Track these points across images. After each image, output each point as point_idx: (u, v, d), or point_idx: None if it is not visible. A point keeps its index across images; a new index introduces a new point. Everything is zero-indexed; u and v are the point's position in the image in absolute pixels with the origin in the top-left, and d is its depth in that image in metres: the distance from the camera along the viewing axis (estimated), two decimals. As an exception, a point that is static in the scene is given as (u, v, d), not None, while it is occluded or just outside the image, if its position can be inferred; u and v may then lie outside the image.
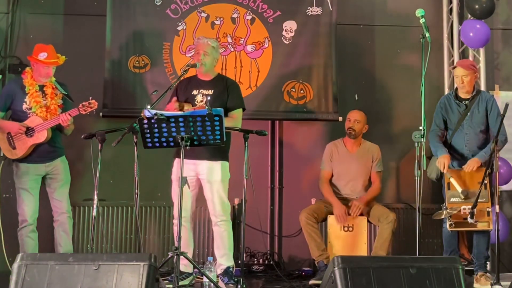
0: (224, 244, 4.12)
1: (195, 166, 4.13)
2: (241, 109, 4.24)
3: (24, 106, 4.29)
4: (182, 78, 4.25)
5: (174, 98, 4.17)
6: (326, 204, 4.74)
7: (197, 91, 4.19)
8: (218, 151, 4.08)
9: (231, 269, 4.10)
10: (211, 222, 4.26)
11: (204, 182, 4.14)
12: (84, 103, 4.15)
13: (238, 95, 4.28)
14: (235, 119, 4.15)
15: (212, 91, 4.17)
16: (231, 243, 4.15)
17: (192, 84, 4.24)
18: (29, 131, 4.22)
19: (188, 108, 4.04)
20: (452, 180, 4.26)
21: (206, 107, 3.58)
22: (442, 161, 4.33)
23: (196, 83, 4.24)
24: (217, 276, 4.09)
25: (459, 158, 4.49)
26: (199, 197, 4.29)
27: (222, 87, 4.21)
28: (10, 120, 4.34)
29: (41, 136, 4.21)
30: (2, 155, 5.02)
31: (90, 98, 4.21)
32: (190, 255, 4.15)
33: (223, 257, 4.12)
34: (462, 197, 4.18)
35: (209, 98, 4.08)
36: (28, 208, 4.26)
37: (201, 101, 4.13)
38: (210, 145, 3.74)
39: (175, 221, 4.14)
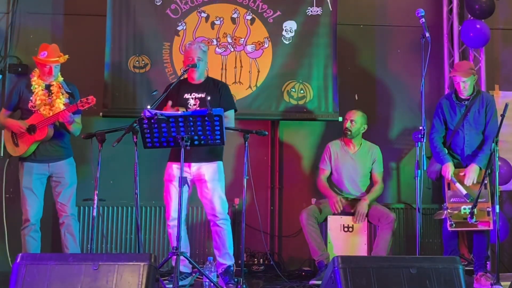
0: (223, 243, 4.12)
1: (190, 168, 4.13)
2: (233, 110, 4.26)
3: (30, 105, 4.31)
4: (182, 78, 4.25)
5: (170, 103, 4.14)
6: (326, 204, 4.74)
7: (189, 94, 4.20)
8: (213, 152, 4.11)
9: (232, 268, 4.10)
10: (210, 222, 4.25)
11: (201, 182, 4.14)
12: (82, 99, 4.16)
13: (229, 96, 4.30)
14: (228, 120, 4.16)
15: (204, 93, 4.18)
16: (231, 242, 4.16)
17: (183, 89, 4.23)
18: (31, 128, 4.23)
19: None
20: (458, 185, 4.27)
21: (207, 107, 3.58)
22: (447, 170, 4.35)
23: (187, 87, 4.24)
24: (218, 276, 4.09)
25: (458, 158, 4.50)
26: (193, 198, 4.29)
27: (214, 89, 4.22)
28: (19, 119, 4.36)
29: (42, 133, 4.23)
30: (2, 155, 5.05)
31: (89, 95, 4.22)
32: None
33: (224, 256, 4.13)
34: (468, 200, 4.19)
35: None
36: (31, 208, 4.27)
37: (194, 105, 4.14)
38: (210, 145, 3.74)
39: (170, 223, 4.15)
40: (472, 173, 4.30)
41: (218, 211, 4.12)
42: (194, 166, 4.13)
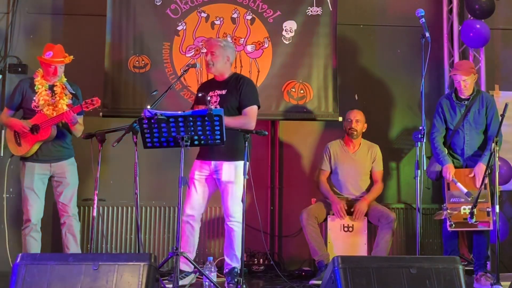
0: (231, 245, 4.13)
1: (211, 166, 4.15)
2: (254, 106, 4.20)
3: (33, 105, 4.32)
4: (182, 78, 4.26)
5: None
6: (326, 204, 4.74)
7: (213, 92, 4.22)
8: (235, 150, 4.07)
9: (236, 269, 4.10)
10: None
11: (219, 182, 4.16)
12: (87, 101, 4.18)
13: (250, 92, 4.23)
14: (246, 117, 4.14)
15: (226, 90, 4.19)
16: (240, 245, 4.14)
17: (209, 86, 4.29)
18: (34, 128, 4.24)
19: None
20: (459, 185, 4.26)
21: (207, 107, 3.58)
22: (448, 171, 4.35)
23: (212, 84, 4.29)
24: (223, 274, 4.16)
25: (458, 158, 4.50)
26: (212, 198, 4.30)
27: (235, 86, 4.21)
28: (21, 118, 4.37)
29: (45, 133, 4.23)
30: (2, 155, 5.05)
31: (94, 96, 4.23)
32: (192, 256, 4.16)
33: (231, 257, 4.14)
34: (469, 199, 4.17)
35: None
36: (32, 208, 4.27)
37: (215, 102, 4.15)
38: (210, 145, 3.75)
39: (184, 218, 4.16)
40: (482, 173, 4.26)
41: (230, 213, 4.12)
42: (213, 164, 4.14)
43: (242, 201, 3.85)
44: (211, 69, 4.23)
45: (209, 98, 4.10)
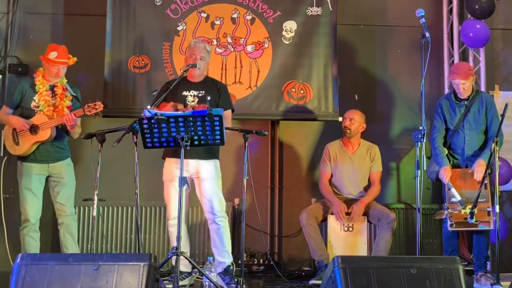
0: (222, 241, 4.12)
1: (187, 166, 4.11)
2: (230, 110, 4.26)
3: (33, 104, 4.32)
4: (181, 78, 4.24)
5: (171, 103, 4.16)
6: (326, 204, 4.74)
7: (187, 92, 4.20)
8: (209, 150, 4.10)
9: (231, 267, 4.10)
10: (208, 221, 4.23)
11: (198, 180, 4.14)
12: (89, 104, 4.17)
13: (228, 96, 4.31)
14: (226, 120, 4.14)
15: (204, 91, 4.19)
16: (229, 240, 4.15)
17: (181, 86, 4.22)
18: (33, 129, 4.24)
19: (181, 108, 4.02)
20: (453, 190, 4.26)
21: (207, 107, 3.58)
22: (445, 173, 4.35)
23: (186, 84, 4.24)
24: (217, 275, 4.10)
25: (458, 158, 4.50)
26: (192, 197, 4.29)
27: (213, 89, 4.22)
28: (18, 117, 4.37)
29: (45, 134, 4.23)
30: (1, 154, 5.05)
31: (97, 100, 4.21)
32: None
33: (223, 254, 4.12)
34: (461, 207, 4.18)
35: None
36: (30, 208, 4.28)
37: (193, 101, 4.14)
38: (210, 145, 3.74)
39: (170, 222, 4.15)
40: (480, 167, 4.28)
41: (216, 210, 4.12)
42: (192, 164, 4.12)
43: (242, 201, 3.85)
44: (196, 71, 4.21)
45: (190, 97, 4.10)
